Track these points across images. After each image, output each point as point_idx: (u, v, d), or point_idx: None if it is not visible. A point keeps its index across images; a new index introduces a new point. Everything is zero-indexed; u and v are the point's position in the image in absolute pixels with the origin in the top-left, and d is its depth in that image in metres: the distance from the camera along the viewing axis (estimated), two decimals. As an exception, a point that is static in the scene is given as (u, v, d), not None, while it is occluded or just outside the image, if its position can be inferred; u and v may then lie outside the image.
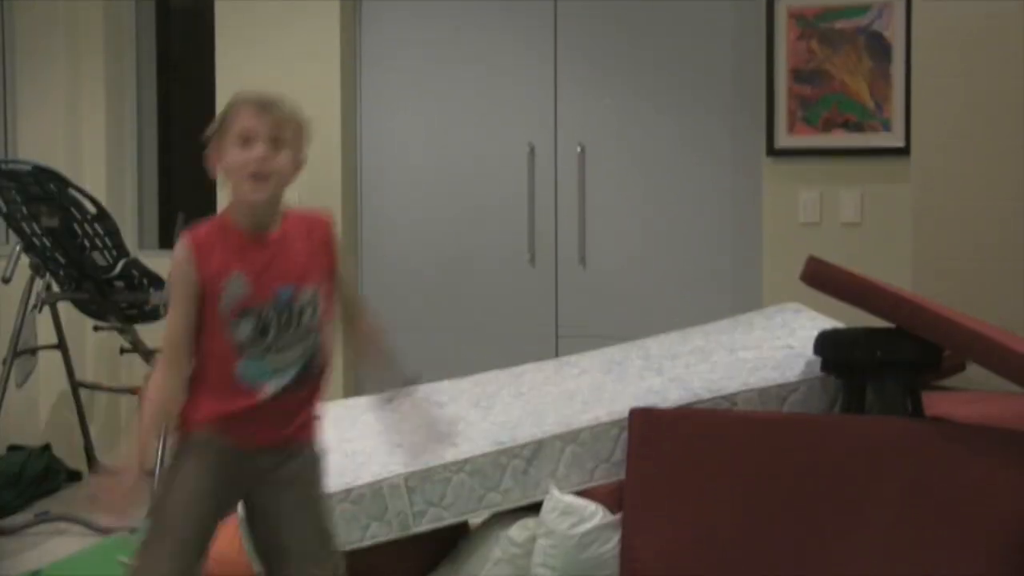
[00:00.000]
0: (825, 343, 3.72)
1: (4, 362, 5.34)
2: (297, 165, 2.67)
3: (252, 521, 2.80)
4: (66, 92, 6.08)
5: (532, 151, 5.53)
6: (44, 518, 5.12)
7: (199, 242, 2.62)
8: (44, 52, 6.06)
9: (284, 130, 2.62)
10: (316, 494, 2.82)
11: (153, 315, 5.42)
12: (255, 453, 2.70)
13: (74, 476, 5.84)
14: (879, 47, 4.95)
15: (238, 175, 2.61)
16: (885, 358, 3.58)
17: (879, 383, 3.65)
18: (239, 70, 5.73)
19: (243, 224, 2.65)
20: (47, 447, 5.78)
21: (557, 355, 5.17)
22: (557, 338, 5.52)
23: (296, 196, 5.44)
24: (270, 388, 2.64)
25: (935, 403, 3.77)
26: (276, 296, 2.62)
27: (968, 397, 4.06)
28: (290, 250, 2.66)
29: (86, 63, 6.09)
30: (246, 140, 2.60)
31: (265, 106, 2.61)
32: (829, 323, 4.06)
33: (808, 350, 3.80)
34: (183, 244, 2.63)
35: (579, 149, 5.47)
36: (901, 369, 3.61)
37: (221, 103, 5.70)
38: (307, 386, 2.72)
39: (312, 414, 2.78)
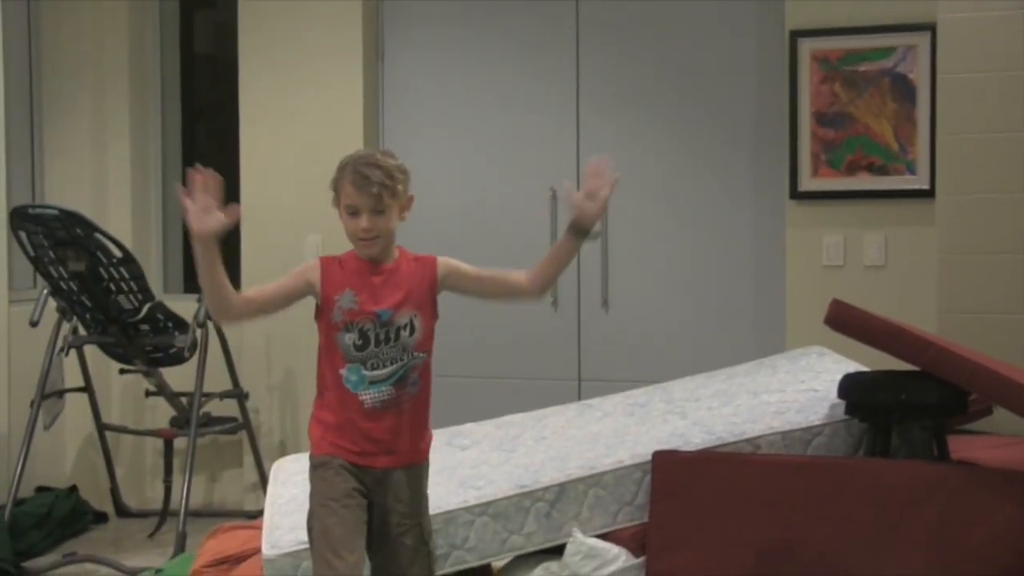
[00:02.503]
0: (849, 386, 3.70)
1: (32, 405, 5.36)
2: (405, 208, 3.06)
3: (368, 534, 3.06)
4: (92, 137, 6.15)
5: (554, 196, 5.55)
6: (71, 559, 5.13)
7: (327, 260, 3.07)
8: (70, 98, 6.14)
9: (383, 198, 2.97)
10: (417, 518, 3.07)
11: (178, 358, 5.44)
12: (364, 470, 3.00)
13: (101, 517, 5.85)
14: (904, 89, 4.95)
15: (350, 237, 3.03)
16: (910, 401, 3.55)
17: (904, 427, 3.62)
18: (263, 114, 5.79)
19: (362, 257, 3.05)
20: (74, 489, 5.79)
21: (580, 399, 5.15)
22: (580, 382, 5.51)
23: (320, 240, 5.53)
24: (368, 398, 2.99)
25: (961, 447, 3.74)
26: (376, 316, 3.00)
27: (995, 441, 4.03)
28: (398, 281, 3.04)
29: (111, 109, 6.16)
30: (353, 212, 2.99)
31: (361, 184, 2.95)
32: (853, 366, 4.04)
33: (832, 393, 3.78)
34: (315, 259, 3.07)
35: (602, 192, 5.47)
36: (927, 413, 3.59)
37: (245, 147, 5.81)
38: (402, 404, 3.02)
39: (413, 440, 3.07)
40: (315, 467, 3.03)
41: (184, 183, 2.85)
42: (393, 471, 3.02)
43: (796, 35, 5.05)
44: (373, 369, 2.99)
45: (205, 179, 2.84)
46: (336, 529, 2.91)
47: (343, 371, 3.00)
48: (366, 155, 3.03)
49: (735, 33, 5.33)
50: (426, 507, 3.12)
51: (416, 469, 3.09)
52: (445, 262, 3.12)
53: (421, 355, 3.05)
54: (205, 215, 2.84)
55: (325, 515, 2.94)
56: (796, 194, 5.09)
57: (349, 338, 2.99)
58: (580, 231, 3.06)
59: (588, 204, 3.03)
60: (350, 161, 3.01)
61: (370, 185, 2.94)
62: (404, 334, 3.01)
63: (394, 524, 3.02)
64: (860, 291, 4.73)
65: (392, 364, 3.00)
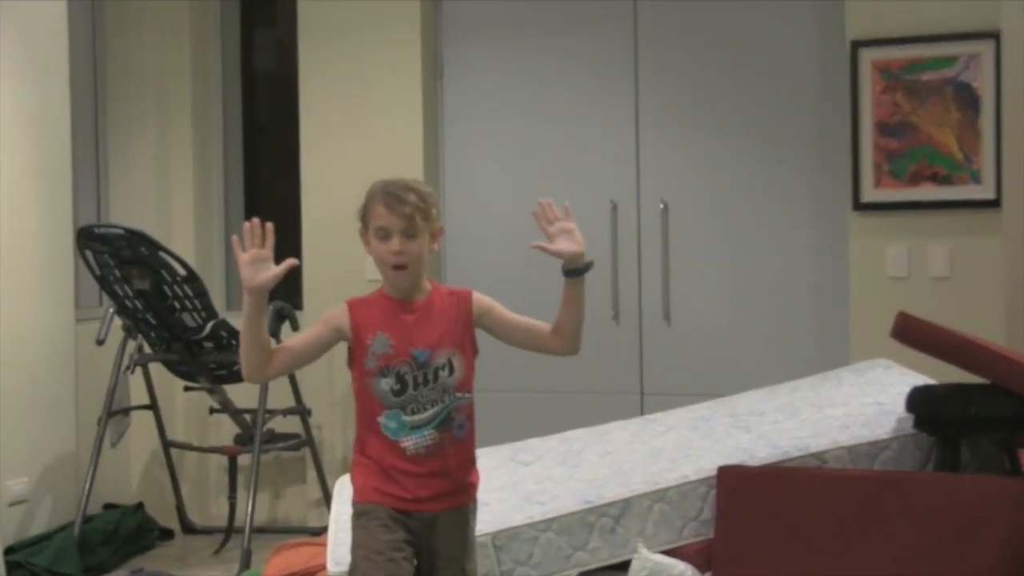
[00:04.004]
0: (918, 399, 3.66)
1: (99, 422, 5.43)
2: (435, 237, 2.97)
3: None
4: (155, 158, 6.22)
5: (615, 208, 5.53)
6: (139, 575, 5.18)
7: (355, 303, 2.97)
8: (134, 119, 6.21)
9: (415, 220, 2.89)
10: (460, 562, 2.99)
11: (241, 376, 5.47)
12: (411, 515, 2.91)
13: (167, 534, 5.90)
14: (968, 98, 4.89)
15: (381, 264, 2.93)
16: (980, 415, 3.51)
17: (974, 440, 3.57)
18: (323, 132, 5.83)
19: (392, 294, 2.96)
20: (140, 505, 5.85)
21: (642, 413, 5.13)
22: (642, 396, 5.49)
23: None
24: (410, 445, 2.89)
25: (1033, 461, 3.68)
26: (413, 358, 2.90)
27: (1068, 454, 3.96)
28: (432, 318, 2.94)
29: (174, 129, 6.24)
30: (384, 235, 2.89)
31: (394, 204, 2.88)
32: (920, 379, 3.99)
33: (899, 407, 3.74)
34: (342, 304, 2.97)
35: (662, 206, 5.46)
36: (997, 426, 3.54)
37: (305, 165, 5.86)
38: (447, 448, 2.92)
39: (457, 484, 2.96)
40: (358, 515, 2.93)
41: (240, 230, 2.83)
42: (441, 514, 2.92)
43: (857, 45, 5.01)
44: (413, 414, 2.89)
45: (257, 230, 2.82)
46: None
47: (381, 418, 2.89)
48: (397, 180, 2.95)
49: (795, 44, 5.30)
50: (472, 549, 3.02)
51: (463, 510, 2.98)
52: (480, 299, 3.00)
53: (464, 395, 2.93)
54: (258, 267, 2.81)
55: (370, 568, 2.84)
56: (859, 205, 5.04)
57: (386, 383, 2.89)
58: (572, 272, 2.93)
59: (565, 245, 2.91)
60: (380, 186, 2.93)
61: (403, 205, 2.87)
62: (443, 374, 2.90)
63: (439, 568, 2.94)
64: (925, 303, 4.67)
65: (433, 407, 2.89)
